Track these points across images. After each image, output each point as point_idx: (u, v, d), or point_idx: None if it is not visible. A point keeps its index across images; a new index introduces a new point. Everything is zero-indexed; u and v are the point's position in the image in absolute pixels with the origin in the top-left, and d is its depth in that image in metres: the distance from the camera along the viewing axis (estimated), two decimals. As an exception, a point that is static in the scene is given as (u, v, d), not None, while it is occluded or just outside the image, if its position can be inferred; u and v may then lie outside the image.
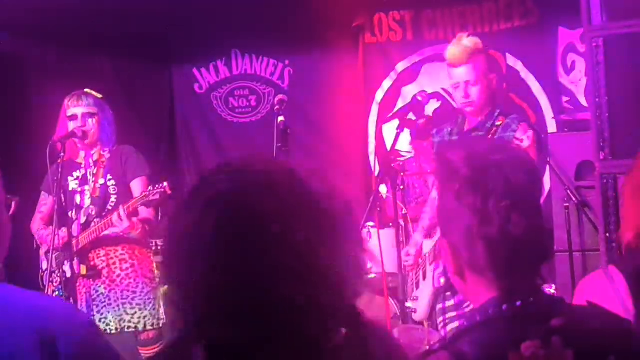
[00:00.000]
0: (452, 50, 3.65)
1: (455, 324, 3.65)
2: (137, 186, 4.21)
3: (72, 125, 4.18)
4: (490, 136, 3.59)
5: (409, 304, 3.92)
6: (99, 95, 4.32)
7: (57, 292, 4.17)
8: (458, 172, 1.53)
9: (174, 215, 1.06)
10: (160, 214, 4.46)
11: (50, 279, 4.20)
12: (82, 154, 4.31)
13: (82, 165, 4.31)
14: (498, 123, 3.65)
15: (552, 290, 4.96)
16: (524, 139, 3.35)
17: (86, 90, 4.31)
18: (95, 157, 4.29)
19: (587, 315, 1.58)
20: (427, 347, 1.66)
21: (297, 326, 0.99)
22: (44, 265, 4.34)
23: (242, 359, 0.99)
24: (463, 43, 3.62)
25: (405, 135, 6.02)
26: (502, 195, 1.48)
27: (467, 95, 3.64)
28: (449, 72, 3.71)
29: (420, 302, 3.88)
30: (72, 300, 4.09)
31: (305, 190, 1.04)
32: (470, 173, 1.51)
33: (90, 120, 4.20)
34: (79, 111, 4.19)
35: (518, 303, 1.50)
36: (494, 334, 1.48)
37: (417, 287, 3.94)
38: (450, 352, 1.43)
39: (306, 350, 0.99)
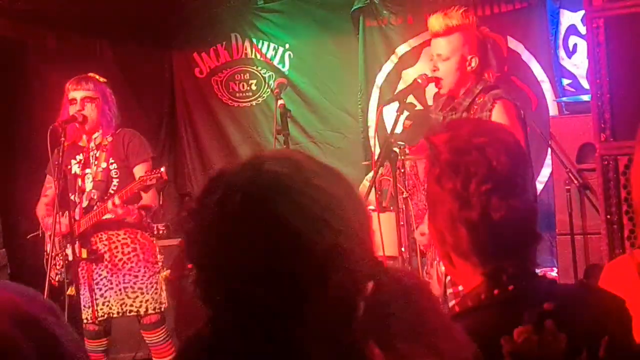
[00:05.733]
0: (431, 20, 3.50)
1: None
2: (140, 171, 4.20)
3: (72, 109, 4.18)
4: (471, 115, 3.42)
5: None
6: (102, 80, 4.31)
7: (59, 275, 4.19)
8: (439, 156, 1.52)
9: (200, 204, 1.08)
10: (161, 198, 4.47)
11: (54, 262, 4.22)
12: (84, 137, 4.31)
13: (84, 149, 4.31)
14: (479, 101, 3.46)
15: (554, 274, 4.97)
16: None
17: (89, 74, 4.31)
18: (97, 141, 4.29)
19: (580, 296, 1.56)
20: None
21: (328, 278, 1.00)
22: (48, 248, 4.35)
23: (280, 322, 1.01)
24: (447, 14, 3.46)
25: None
26: (483, 179, 1.46)
27: (435, 68, 3.49)
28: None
29: (433, 282, 3.87)
30: (73, 284, 4.11)
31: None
32: (450, 157, 1.50)
33: (89, 104, 4.20)
34: (78, 95, 4.19)
35: (510, 287, 1.48)
36: (486, 319, 1.47)
37: (432, 266, 3.91)
38: None
39: (338, 305, 1.00)
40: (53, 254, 4.21)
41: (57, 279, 4.18)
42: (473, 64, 3.49)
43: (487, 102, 3.43)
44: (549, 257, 5.28)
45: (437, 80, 3.51)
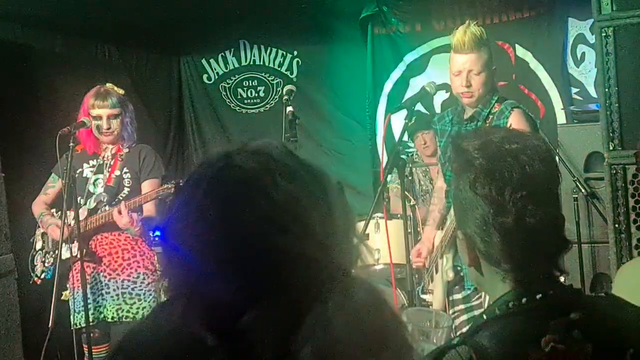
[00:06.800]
0: (460, 37, 3.54)
1: (464, 317, 3.64)
2: (148, 187, 4.23)
3: (95, 124, 4.21)
4: (488, 124, 3.50)
5: (425, 296, 3.92)
6: (121, 92, 4.33)
7: (45, 273, 4.21)
8: (473, 161, 1.51)
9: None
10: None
11: (43, 259, 4.23)
12: (102, 146, 4.33)
13: (100, 156, 4.33)
14: (495, 111, 3.56)
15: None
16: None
17: (108, 85, 4.32)
18: (114, 151, 4.32)
19: (606, 307, 1.56)
20: (436, 328, 1.64)
21: (279, 281, 1.00)
22: (38, 245, 4.36)
23: (227, 317, 1.01)
24: (471, 30, 3.55)
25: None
26: (518, 185, 1.47)
27: (469, 83, 3.54)
28: (452, 59, 3.65)
29: (435, 295, 3.88)
30: (70, 283, 4.14)
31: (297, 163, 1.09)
32: (485, 162, 1.50)
33: (114, 121, 4.23)
34: (104, 112, 4.21)
35: (538, 296, 1.48)
36: (514, 327, 1.46)
37: (432, 280, 3.93)
38: (469, 346, 1.41)
39: (285, 309, 1.00)
40: (45, 251, 4.24)
41: (42, 276, 4.19)
42: (495, 72, 3.65)
43: (504, 111, 3.54)
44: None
45: (471, 95, 3.58)
